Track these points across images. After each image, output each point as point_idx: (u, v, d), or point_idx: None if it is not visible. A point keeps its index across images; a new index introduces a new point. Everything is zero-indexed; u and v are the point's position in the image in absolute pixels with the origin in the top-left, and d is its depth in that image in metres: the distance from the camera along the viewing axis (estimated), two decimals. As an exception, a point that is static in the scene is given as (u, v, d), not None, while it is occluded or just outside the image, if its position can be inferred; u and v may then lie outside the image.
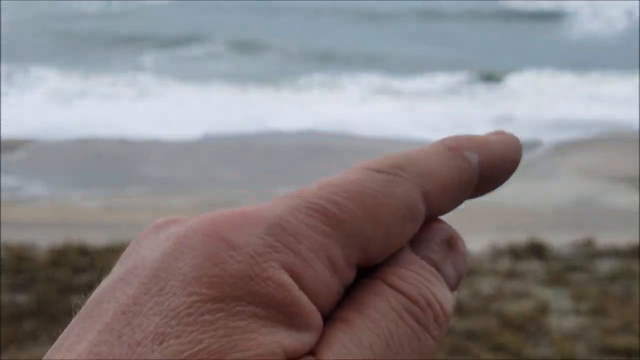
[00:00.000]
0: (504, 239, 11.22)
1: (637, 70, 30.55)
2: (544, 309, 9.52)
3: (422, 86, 29.25)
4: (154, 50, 34.05)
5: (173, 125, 26.42)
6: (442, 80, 29.45)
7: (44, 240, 11.43)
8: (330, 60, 31.45)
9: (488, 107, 27.17)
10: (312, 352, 0.42)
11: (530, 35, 36.61)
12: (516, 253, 11.05)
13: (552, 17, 39.75)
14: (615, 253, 10.94)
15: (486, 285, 10.22)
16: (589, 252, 11.06)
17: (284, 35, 35.91)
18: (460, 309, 9.56)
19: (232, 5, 42.14)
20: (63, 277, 10.24)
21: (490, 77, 29.01)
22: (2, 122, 26.22)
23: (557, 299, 9.82)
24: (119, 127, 26.22)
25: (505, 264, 10.82)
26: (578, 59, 32.71)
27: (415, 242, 0.53)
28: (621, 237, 11.27)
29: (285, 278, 0.42)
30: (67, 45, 36.68)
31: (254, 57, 32.52)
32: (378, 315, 0.45)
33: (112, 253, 11.04)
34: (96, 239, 11.66)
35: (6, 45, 36.46)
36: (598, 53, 33.75)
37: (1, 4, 46.26)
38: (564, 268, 10.63)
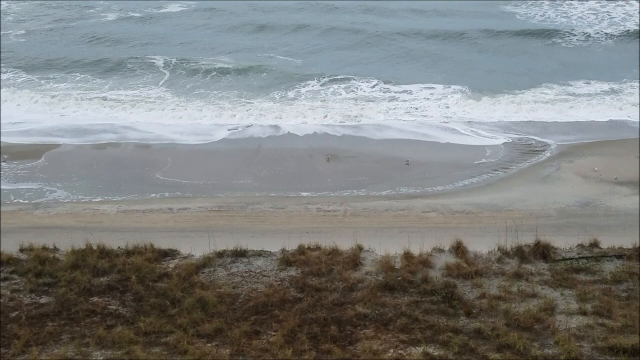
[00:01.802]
0: (510, 241, 11.40)
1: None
2: (549, 310, 9.76)
3: (416, 95, 30.21)
4: (169, 64, 34.79)
5: (191, 130, 27.09)
6: (439, 91, 30.36)
7: (65, 243, 11.81)
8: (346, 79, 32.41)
9: (466, 113, 28.07)
10: None
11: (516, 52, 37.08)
12: (523, 255, 11.27)
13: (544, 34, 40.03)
14: (619, 255, 11.09)
15: (493, 287, 10.44)
16: (593, 254, 11.23)
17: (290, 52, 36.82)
18: (468, 310, 9.81)
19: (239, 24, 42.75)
20: (84, 279, 10.63)
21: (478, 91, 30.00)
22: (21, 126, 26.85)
23: (563, 299, 10.05)
24: (140, 132, 27.05)
25: (512, 265, 11.05)
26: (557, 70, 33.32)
27: None
28: (625, 239, 11.43)
29: None
30: (85, 54, 37.39)
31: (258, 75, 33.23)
32: None
33: (132, 256, 11.43)
34: (116, 242, 12.06)
35: (26, 54, 37.17)
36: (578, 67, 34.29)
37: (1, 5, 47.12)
38: (569, 269, 10.84)
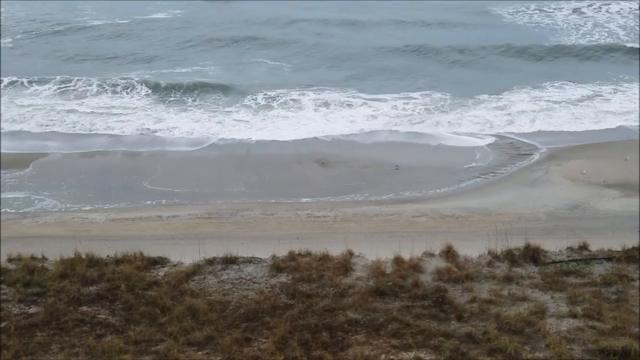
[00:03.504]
0: (500, 245, 11.43)
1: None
2: (540, 313, 9.76)
3: (398, 103, 30.43)
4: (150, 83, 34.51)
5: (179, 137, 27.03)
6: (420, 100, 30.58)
7: (53, 252, 11.73)
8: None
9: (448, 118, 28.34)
10: None
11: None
12: (513, 258, 11.29)
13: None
14: (608, 257, 11.14)
15: (484, 290, 10.44)
16: (583, 257, 11.27)
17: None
18: (459, 314, 9.82)
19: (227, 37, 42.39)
20: (73, 289, 10.56)
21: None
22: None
23: (553, 302, 10.07)
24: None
25: (502, 269, 11.02)
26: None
27: None
28: (614, 242, 11.49)
29: None
30: (67, 61, 37.30)
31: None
32: None
33: (121, 264, 11.36)
34: (105, 250, 11.98)
35: (15, 60, 36.97)
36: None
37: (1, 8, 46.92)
38: (559, 272, 10.86)
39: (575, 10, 47.37)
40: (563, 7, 48.23)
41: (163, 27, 45.33)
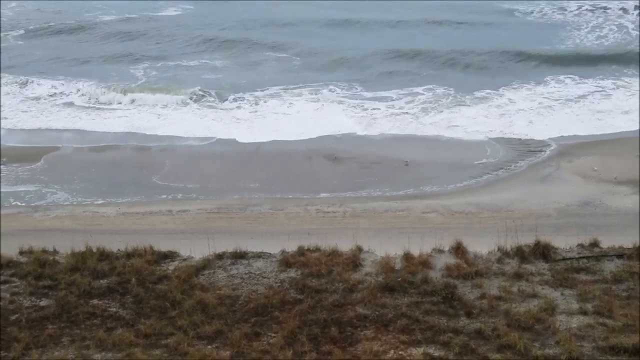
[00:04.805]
0: (510, 242, 11.39)
1: None
2: (550, 310, 9.73)
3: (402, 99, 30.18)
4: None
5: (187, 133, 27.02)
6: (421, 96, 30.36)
7: (64, 246, 11.81)
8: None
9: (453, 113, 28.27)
10: None
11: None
12: (523, 255, 11.25)
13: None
14: (619, 254, 11.08)
15: (494, 287, 10.37)
16: (594, 254, 11.22)
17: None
18: (469, 310, 9.80)
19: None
20: (83, 282, 10.62)
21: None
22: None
23: (564, 299, 10.03)
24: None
25: (512, 265, 10.98)
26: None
27: None
28: (625, 239, 11.42)
29: None
30: (74, 59, 37.42)
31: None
32: None
33: (132, 258, 11.43)
34: (115, 244, 12.06)
35: (24, 57, 37.09)
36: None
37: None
38: (569, 269, 10.81)
39: (585, 7, 46.97)
40: (576, 3, 47.88)
41: (172, 24, 45.40)
